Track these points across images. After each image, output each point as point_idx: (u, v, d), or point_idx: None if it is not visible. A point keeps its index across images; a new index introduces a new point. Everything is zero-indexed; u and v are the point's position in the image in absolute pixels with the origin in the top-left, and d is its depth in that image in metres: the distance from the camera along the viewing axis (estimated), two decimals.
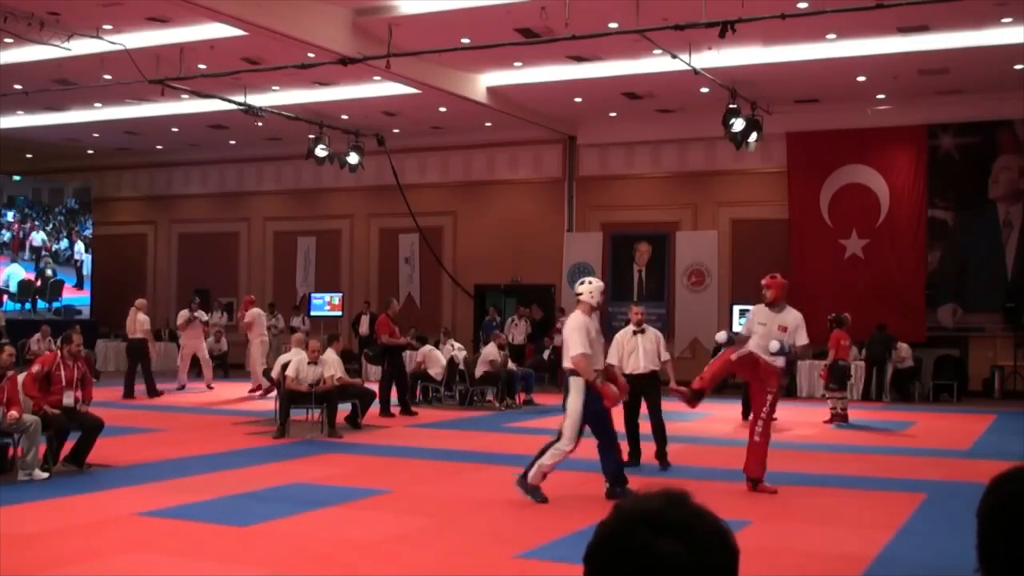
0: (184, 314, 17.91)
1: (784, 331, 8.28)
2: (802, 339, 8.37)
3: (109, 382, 18.60)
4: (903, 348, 17.43)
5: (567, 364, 7.84)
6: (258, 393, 16.75)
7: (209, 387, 17.72)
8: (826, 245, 19.24)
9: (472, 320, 21.68)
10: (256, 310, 18.04)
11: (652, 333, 9.86)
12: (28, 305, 24.20)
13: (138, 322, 16.46)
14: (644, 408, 9.74)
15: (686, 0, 11.73)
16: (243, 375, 19.88)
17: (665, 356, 9.84)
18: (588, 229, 21.37)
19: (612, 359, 9.41)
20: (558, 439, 7.71)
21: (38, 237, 24.92)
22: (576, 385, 7.72)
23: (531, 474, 7.73)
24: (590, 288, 7.95)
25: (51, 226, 25.24)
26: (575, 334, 7.69)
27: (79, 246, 25.41)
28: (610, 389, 7.77)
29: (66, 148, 24.80)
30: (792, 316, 8.38)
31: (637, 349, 9.68)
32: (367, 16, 14.27)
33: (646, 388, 9.64)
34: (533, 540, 6.57)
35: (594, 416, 7.78)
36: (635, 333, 9.78)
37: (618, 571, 1.36)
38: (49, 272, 24.91)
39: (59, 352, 9.37)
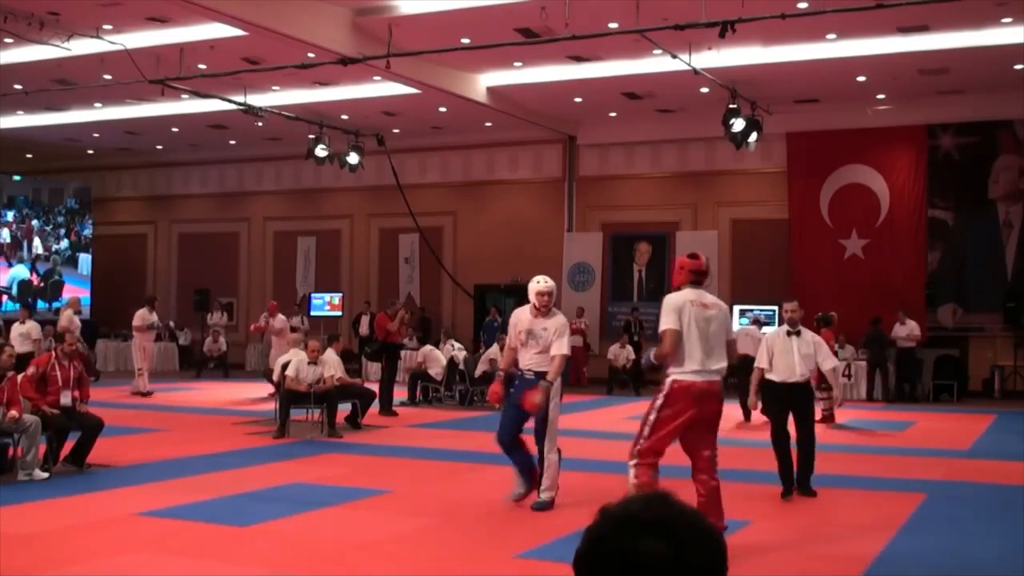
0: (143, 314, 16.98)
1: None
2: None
3: (109, 382, 18.61)
4: (911, 324, 17.26)
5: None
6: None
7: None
8: (826, 245, 19.25)
9: (472, 320, 21.66)
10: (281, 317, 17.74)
11: (809, 336, 8.28)
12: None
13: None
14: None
15: (686, 0, 11.73)
16: (242, 375, 19.88)
17: (832, 363, 8.48)
18: (588, 229, 21.37)
19: (762, 362, 8.24)
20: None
21: (37, 238, 24.90)
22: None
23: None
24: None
25: (51, 226, 25.23)
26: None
27: (80, 246, 25.41)
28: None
29: (66, 148, 24.78)
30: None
31: (792, 353, 8.13)
32: (367, 16, 14.27)
33: (797, 399, 8.16)
34: (533, 540, 6.56)
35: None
36: (789, 335, 8.23)
37: (604, 574, 1.37)
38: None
39: (54, 352, 9.36)
